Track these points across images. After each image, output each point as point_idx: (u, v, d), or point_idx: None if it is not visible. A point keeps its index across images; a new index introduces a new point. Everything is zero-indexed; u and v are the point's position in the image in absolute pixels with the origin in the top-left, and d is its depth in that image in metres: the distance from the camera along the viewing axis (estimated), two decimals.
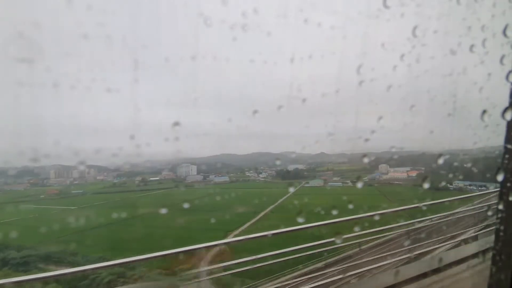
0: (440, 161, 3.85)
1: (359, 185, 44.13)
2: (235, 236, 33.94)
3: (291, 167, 71.41)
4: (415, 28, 3.38)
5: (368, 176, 65.17)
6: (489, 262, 2.04)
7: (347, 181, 64.51)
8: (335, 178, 67.86)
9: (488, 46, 3.06)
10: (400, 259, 5.80)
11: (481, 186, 46.05)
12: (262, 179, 70.86)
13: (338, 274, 5.22)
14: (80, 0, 3.25)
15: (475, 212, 8.53)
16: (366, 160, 4.57)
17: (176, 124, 3.91)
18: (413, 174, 61.26)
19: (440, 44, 3.97)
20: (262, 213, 48.59)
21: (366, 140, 4.29)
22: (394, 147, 5.33)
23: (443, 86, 4.28)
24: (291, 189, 62.82)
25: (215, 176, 67.33)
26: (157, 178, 64.76)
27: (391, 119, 4.31)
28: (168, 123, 3.82)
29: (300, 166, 71.65)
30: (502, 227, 1.95)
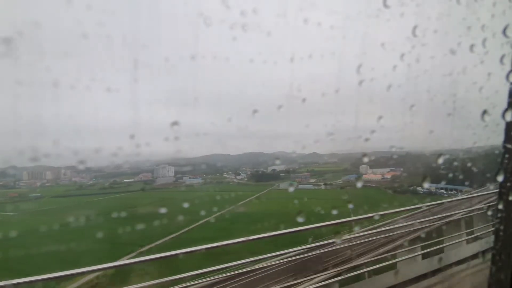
0: (440, 160, 3.85)
1: (322, 187, 43.89)
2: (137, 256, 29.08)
3: (269, 169, 69.44)
4: (415, 28, 3.37)
5: (342, 178, 64.50)
6: (489, 262, 2.04)
7: (320, 184, 63.51)
8: (312, 180, 66.52)
9: (488, 46, 3.06)
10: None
11: (452, 190, 45.81)
12: (237, 181, 68.55)
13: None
14: (80, 0, 3.25)
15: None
16: (365, 159, 4.56)
17: (175, 123, 3.90)
18: (389, 176, 61.00)
19: (440, 44, 3.96)
20: (198, 223, 43.74)
21: (366, 139, 4.29)
22: (394, 147, 5.34)
23: (443, 86, 4.28)
24: (263, 192, 60.35)
25: (189, 178, 65.27)
26: (131, 180, 62.95)
27: (391, 118, 4.31)
28: (166, 122, 3.82)
29: (282, 167, 69.97)
30: (502, 227, 1.95)
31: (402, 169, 58.51)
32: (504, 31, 2.29)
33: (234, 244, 3.32)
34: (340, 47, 4.12)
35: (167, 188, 60.91)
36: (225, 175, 68.83)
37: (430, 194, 46.67)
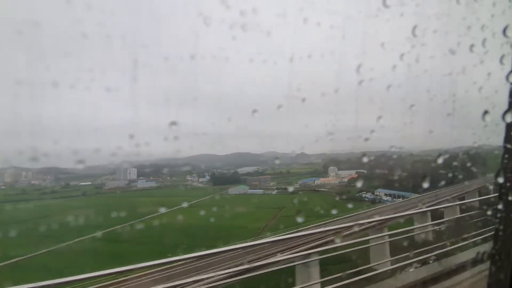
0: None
1: (274, 192, 43.26)
2: None
3: (229, 171, 64.96)
4: (414, 27, 3.37)
5: (299, 182, 61.37)
6: (488, 262, 2.04)
7: (274, 188, 59.52)
8: (271, 183, 62.49)
9: (487, 46, 3.06)
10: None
11: (400, 196, 44.66)
12: (197, 184, 63.45)
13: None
14: (80, 0, 3.24)
15: None
16: (365, 159, 4.56)
17: (173, 123, 3.90)
18: (346, 179, 58.34)
19: (440, 43, 3.96)
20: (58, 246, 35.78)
21: (366, 139, 4.30)
22: (394, 147, 5.34)
23: (442, 86, 4.28)
24: (204, 198, 53.90)
25: (146, 181, 60.70)
26: (88, 183, 57.33)
27: (391, 118, 4.31)
28: (164, 122, 3.82)
29: (250, 169, 66.12)
30: (501, 227, 1.95)
31: (365, 172, 56.28)
32: (504, 31, 2.28)
33: (231, 250, 3.32)
34: (340, 47, 4.12)
35: (113, 193, 55.88)
36: (188, 178, 64.30)
37: (374, 201, 46.77)
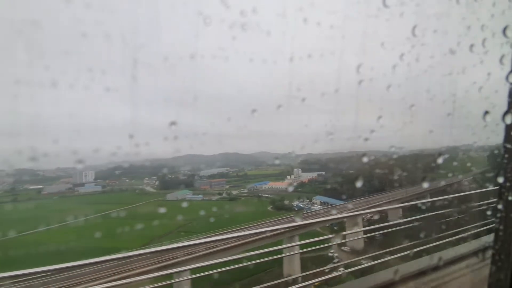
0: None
1: (215, 198, 41.23)
2: None
3: (185, 174, 58.40)
4: (414, 27, 3.37)
5: (248, 186, 57.18)
6: (488, 262, 2.04)
7: (222, 192, 54.81)
8: (226, 187, 57.60)
9: (487, 45, 3.06)
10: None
11: (331, 204, 43.16)
12: (145, 188, 57.87)
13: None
14: None
15: None
16: (365, 159, 4.56)
17: (173, 123, 3.90)
18: (295, 183, 55.25)
19: (440, 43, 3.97)
20: None
21: (366, 139, 4.30)
22: (394, 147, 5.34)
23: (442, 85, 4.28)
24: (130, 206, 49.00)
25: (94, 185, 54.95)
26: (40, 187, 51.30)
27: (390, 118, 4.31)
28: (162, 122, 3.81)
29: (215, 171, 60.61)
30: (501, 227, 1.95)
31: (324, 173, 54.43)
32: (504, 31, 2.29)
33: (233, 238, 3.31)
34: (340, 47, 4.12)
35: (48, 199, 49.33)
36: (146, 181, 59.16)
37: (299, 210, 44.87)
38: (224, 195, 54.71)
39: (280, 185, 56.15)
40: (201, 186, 57.06)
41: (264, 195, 53.87)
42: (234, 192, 56.15)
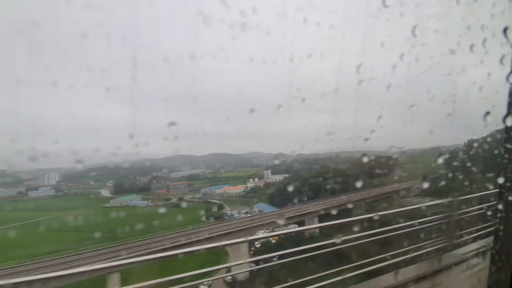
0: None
1: (160, 204, 38.30)
2: None
3: (144, 178, 54.45)
4: (414, 27, 3.37)
5: (202, 190, 53.15)
6: (488, 262, 2.04)
7: (170, 198, 50.12)
8: (187, 191, 53.73)
9: (487, 45, 3.06)
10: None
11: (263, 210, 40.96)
12: (100, 192, 53.11)
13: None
14: None
15: None
16: (365, 159, 4.56)
17: (172, 123, 3.88)
18: (249, 187, 51.42)
19: (440, 43, 3.96)
20: None
21: (366, 139, 4.30)
22: (394, 147, 5.34)
23: (442, 85, 4.28)
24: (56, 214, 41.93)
25: (50, 189, 50.34)
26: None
27: (391, 118, 4.31)
28: (162, 122, 3.80)
29: (187, 172, 56.57)
30: (501, 227, 1.95)
31: (288, 175, 51.19)
32: (504, 31, 2.28)
33: (234, 244, 3.31)
34: (340, 47, 4.12)
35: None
36: (109, 184, 54.44)
37: (229, 218, 40.77)
38: (173, 200, 50.28)
39: (234, 189, 52.64)
40: (157, 190, 52.94)
41: (213, 200, 49.73)
42: (187, 197, 51.96)
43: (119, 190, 52.56)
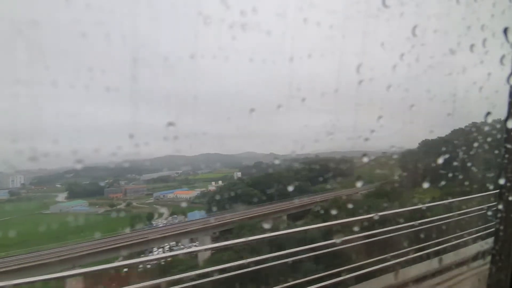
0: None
1: (101, 211, 34.63)
2: None
3: (102, 182, 48.55)
4: (414, 27, 3.37)
5: (154, 194, 49.29)
6: (488, 262, 2.04)
7: (115, 204, 46.12)
8: (146, 194, 49.50)
9: (488, 46, 3.06)
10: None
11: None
12: (57, 195, 48.42)
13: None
14: None
15: None
16: (365, 159, 4.56)
17: (171, 124, 3.88)
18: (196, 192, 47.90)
19: (440, 43, 3.96)
20: None
21: (366, 139, 4.29)
22: (394, 147, 5.34)
23: (443, 86, 4.28)
24: None
25: (6, 192, 46.25)
26: None
27: (391, 118, 4.31)
28: (162, 122, 3.79)
29: (149, 176, 52.53)
30: (501, 227, 1.94)
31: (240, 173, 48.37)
32: (505, 32, 2.28)
33: (234, 244, 3.30)
34: (340, 47, 4.12)
35: None
36: (57, 185, 50.36)
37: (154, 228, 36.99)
38: (120, 206, 46.30)
39: (186, 194, 48.57)
40: (110, 194, 48.34)
41: (157, 206, 46.18)
42: (137, 202, 47.91)
43: (76, 194, 48.25)
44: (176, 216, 41.53)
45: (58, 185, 50.22)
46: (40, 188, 49.44)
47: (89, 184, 48.99)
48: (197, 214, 40.18)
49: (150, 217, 42.75)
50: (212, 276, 3.51)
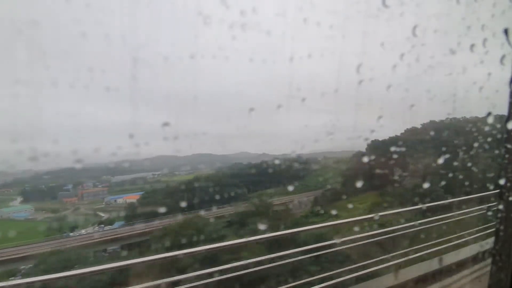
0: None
1: (41, 218, 32.16)
2: None
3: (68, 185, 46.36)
4: (414, 27, 3.37)
5: (105, 199, 46.11)
6: (489, 262, 2.04)
7: (66, 209, 42.55)
8: (109, 198, 46.00)
9: (488, 46, 3.06)
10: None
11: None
12: (12, 199, 45.49)
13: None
14: None
15: None
16: (365, 159, 4.55)
17: (166, 124, 3.86)
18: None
19: (440, 43, 3.96)
20: None
21: (366, 139, 4.29)
22: (394, 146, 5.33)
23: (443, 86, 4.28)
24: None
25: None
26: None
27: (391, 118, 4.31)
28: (161, 122, 3.78)
29: (120, 178, 49.11)
30: (502, 227, 1.94)
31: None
32: (505, 32, 2.28)
33: (234, 245, 3.30)
34: (340, 47, 4.12)
35: None
36: (5, 190, 46.93)
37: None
38: (66, 212, 42.97)
39: (134, 199, 44.18)
40: (64, 198, 45.30)
41: (99, 213, 43.10)
42: (86, 207, 44.88)
43: (32, 198, 45.17)
44: (103, 225, 38.20)
45: (27, 187, 46.60)
46: (5, 191, 46.51)
47: (49, 188, 46.22)
48: (117, 224, 37.17)
49: (75, 225, 38.91)
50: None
